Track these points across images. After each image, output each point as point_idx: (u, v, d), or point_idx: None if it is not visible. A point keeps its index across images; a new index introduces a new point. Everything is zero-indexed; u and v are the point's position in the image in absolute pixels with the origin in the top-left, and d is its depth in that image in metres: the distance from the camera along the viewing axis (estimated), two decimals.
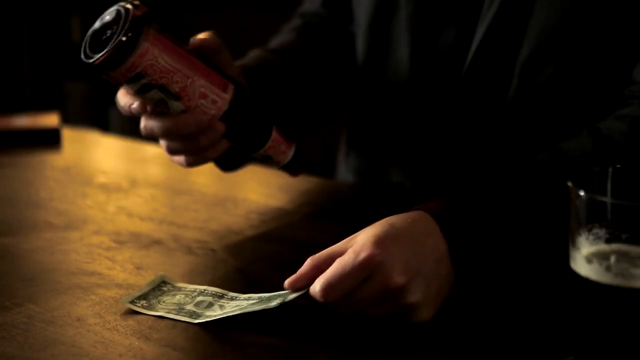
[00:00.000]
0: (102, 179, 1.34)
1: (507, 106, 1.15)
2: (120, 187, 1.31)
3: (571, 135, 1.05)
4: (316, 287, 0.88)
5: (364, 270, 0.88)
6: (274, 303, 0.90)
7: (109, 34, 0.93)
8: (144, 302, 0.94)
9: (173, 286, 0.98)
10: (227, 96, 1.01)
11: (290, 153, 1.09)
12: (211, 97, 1.00)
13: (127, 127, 2.76)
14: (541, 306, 0.93)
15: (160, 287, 0.98)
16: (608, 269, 0.75)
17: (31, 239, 1.13)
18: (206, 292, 0.96)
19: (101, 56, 0.92)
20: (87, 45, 0.95)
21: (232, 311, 0.91)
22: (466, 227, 0.92)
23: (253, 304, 0.91)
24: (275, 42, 1.32)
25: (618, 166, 0.80)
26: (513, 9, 1.13)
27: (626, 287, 0.74)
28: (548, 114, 1.14)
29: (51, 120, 1.56)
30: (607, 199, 0.77)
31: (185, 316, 0.92)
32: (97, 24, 0.95)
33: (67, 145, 1.51)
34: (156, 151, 1.50)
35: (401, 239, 0.90)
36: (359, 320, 0.91)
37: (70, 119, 2.56)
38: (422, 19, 1.20)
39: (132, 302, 0.94)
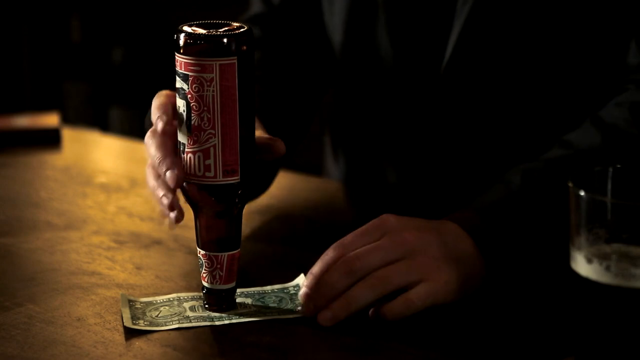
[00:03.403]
0: (102, 179, 1.34)
1: (492, 99, 1.14)
2: (120, 187, 1.31)
3: (559, 124, 1.04)
4: (330, 249, 0.91)
5: (377, 230, 0.90)
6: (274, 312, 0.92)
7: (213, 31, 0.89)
8: (141, 321, 0.92)
9: (142, 302, 0.96)
10: (222, 180, 0.90)
11: (225, 286, 0.93)
12: (210, 163, 0.89)
13: (127, 127, 2.76)
14: (541, 306, 0.93)
15: (134, 305, 0.95)
16: (608, 269, 0.75)
17: (31, 239, 1.13)
18: (185, 297, 0.96)
19: (193, 34, 0.88)
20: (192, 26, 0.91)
21: (249, 316, 0.92)
22: (496, 237, 0.93)
23: (256, 311, 0.93)
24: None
25: (618, 166, 0.80)
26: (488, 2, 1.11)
27: (626, 287, 0.74)
28: (535, 104, 1.13)
29: (51, 120, 1.56)
30: (607, 199, 0.77)
31: (203, 321, 0.92)
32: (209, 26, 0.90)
33: (67, 145, 1.51)
34: None
35: (418, 219, 0.93)
36: (358, 319, 0.91)
37: (70, 119, 2.56)
38: (402, 20, 1.19)
39: (134, 323, 0.91)
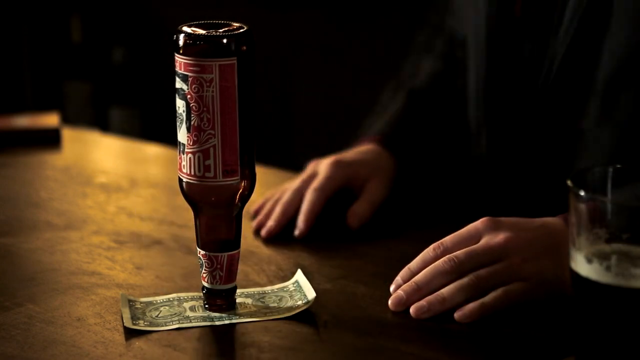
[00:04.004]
0: (102, 179, 1.34)
1: (587, 124, 1.13)
2: (120, 187, 1.31)
3: None
4: (430, 248, 0.96)
5: (476, 233, 0.95)
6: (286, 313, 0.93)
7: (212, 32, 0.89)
8: (141, 321, 0.92)
9: (142, 302, 0.96)
10: (222, 180, 0.90)
11: (225, 286, 0.93)
12: (210, 163, 0.90)
13: (127, 127, 2.76)
14: (541, 306, 0.93)
15: (134, 305, 0.95)
16: (608, 269, 0.75)
17: (31, 239, 1.13)
18: (185, 297, 0.96)
19: (193, 34, 0.88)
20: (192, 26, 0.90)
21: (249, 316, 0.93)
22: None
23: (256, 311, 0.94)
24: (423, 76, 1.33)
25: (618, 166, 0.80)
26: (593, 24, 1.10)
27: (626, 287, 0.74)
28: (631, 132, 1.11)
29: (51, 120, 1.56)
30: (607, 199, 0.77)
31: (204, 321, 0.92)
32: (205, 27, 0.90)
33: (67, 145, 1.51)
34: (156, 151, 1.49)
35: (519, 219, 0.96)
36: (358, 319, 0.91)
37: (70, 119, 2.56)
38: (498, 34, 1.19)
39: (134, 324, 0.91)
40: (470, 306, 0.91)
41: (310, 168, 1.20)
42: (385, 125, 1.27)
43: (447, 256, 0.94)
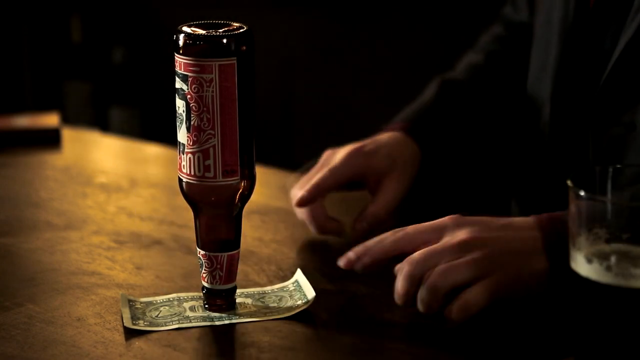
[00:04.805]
0: (102, 179, 1.35)
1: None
2: (120, 187, 1.31)
3: None
4: (390, 232, 0.95)
5: (438, 228, 0.93)
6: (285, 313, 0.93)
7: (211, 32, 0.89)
8: (141, 321, 0.92)
9: (142, 302, 0.96)
10: (222, 180, 0.90)
11: (225, 286, 0.93)
12: (210, 163, 0.89)
13: (127, 127, 2.76)
14: (541, 306, 0.93)
15: (134, 305, 0.95)
16: (608, 269, 0.75)
17: (31, 239, 1.13)
18: (185, 297, 0.96)
19: (193, 34, 0.88)
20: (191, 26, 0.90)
21: (249, 316, 0.93)
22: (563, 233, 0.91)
23: (255, 311, 0.94)
24: (460, 68, 1.32)
25: (618, 166, 0.80)
26: None
27: (626, 287, 0.75)
28: None
29: (51, 120, 1.56)
30: (607, 199, 0.77)
31: (204, 321, 0.92)
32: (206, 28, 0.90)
33: (67, 145, 1.51)
34: (156, 151, 1.50)
35: (485, 218, 0.95)
36: (358, 319, 0.91)
37: (70, 119, 2.56)
38: (571, 26, 1.17)
39: (134, 324, 0.91)
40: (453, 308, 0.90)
41: (325, 156, 1.16)
42: (412, 113, 1.24)
43: (409, 258, 0.92)
